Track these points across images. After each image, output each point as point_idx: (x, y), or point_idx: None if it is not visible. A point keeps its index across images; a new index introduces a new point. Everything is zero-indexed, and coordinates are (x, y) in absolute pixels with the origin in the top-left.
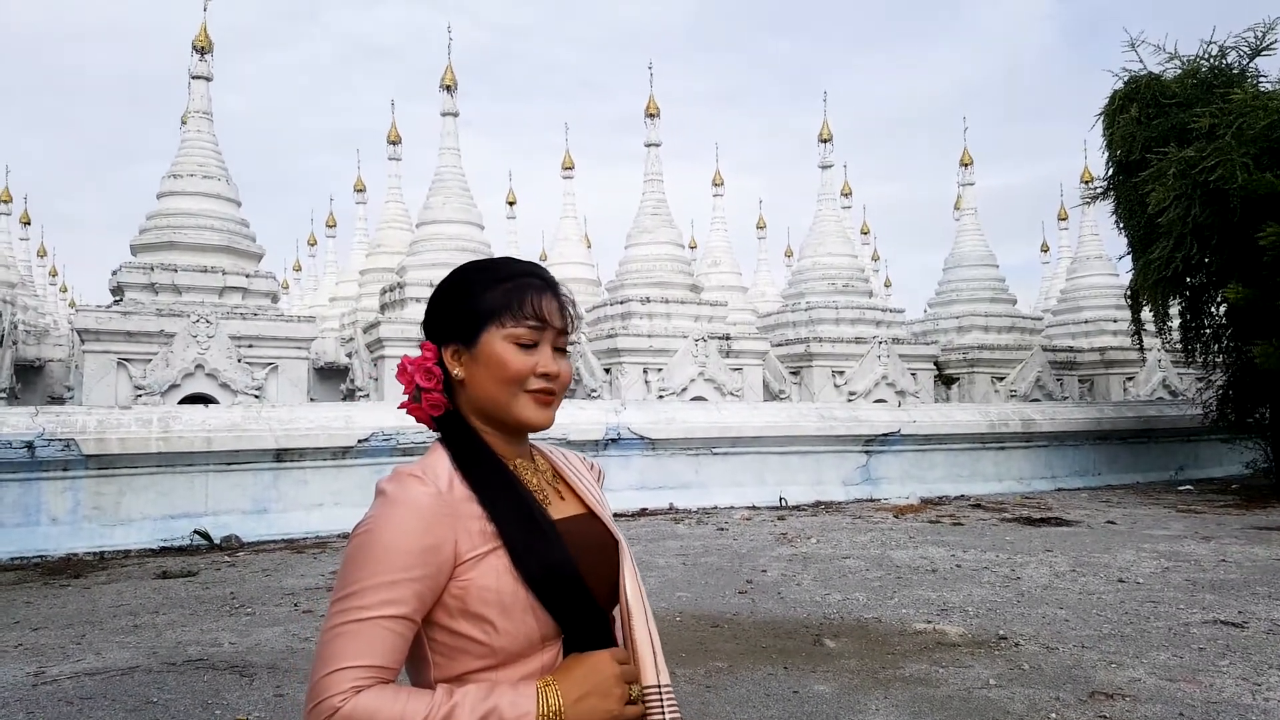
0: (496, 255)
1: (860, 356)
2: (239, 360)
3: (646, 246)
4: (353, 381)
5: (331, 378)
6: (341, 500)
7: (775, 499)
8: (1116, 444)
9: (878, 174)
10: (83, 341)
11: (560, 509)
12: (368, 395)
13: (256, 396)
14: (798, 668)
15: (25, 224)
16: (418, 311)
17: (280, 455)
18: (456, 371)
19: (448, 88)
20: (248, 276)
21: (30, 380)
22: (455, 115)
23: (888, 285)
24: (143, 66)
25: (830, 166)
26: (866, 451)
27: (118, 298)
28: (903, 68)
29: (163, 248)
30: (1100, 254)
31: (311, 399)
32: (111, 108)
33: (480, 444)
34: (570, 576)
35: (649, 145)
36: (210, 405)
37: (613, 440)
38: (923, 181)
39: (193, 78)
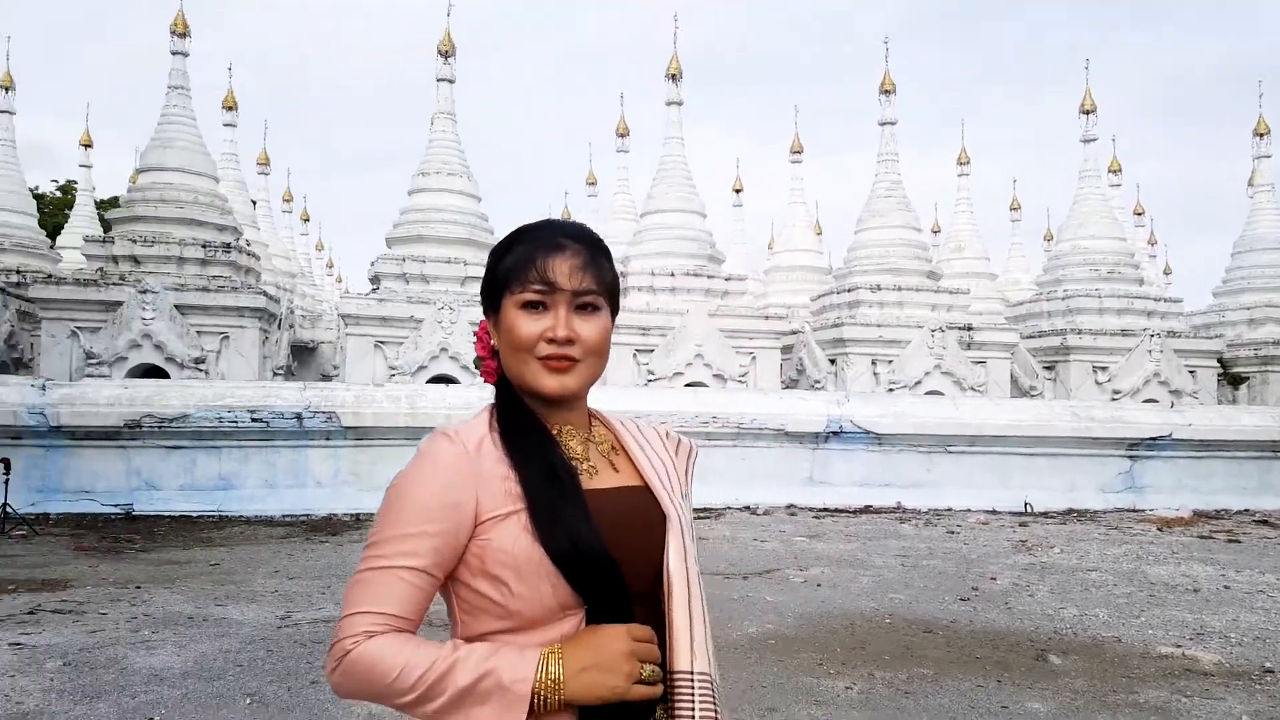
0: (694, 240)
1: (1126, 350)
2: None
3: (878, 231)
4: None
5: None
6: None
7: (1019, 504)
8: None
9: (1156, 150)
10: (346, 325)
11: (607, 479)
12: None
13: None
14: (1013, 683)
15: (305, 220)
16: (639, 300)
17: None
18: (494, 342)
19: (672, 77)
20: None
21: (305, 360)
22: (679, 104)
23: (1167, 273)
24: (399, 77)
25: (1094, 140)
26: (1130, 456)
27: (375, 286)
28: (1184, 33)
29: (412, 240)
30: None
31: None
32: (373, 116)
33: (521, 409)
34: (588, 546)
35: (883, 124)
36: (451, 385)
37: (834, 433)
38: (1211, 157)
39: (437, 80)
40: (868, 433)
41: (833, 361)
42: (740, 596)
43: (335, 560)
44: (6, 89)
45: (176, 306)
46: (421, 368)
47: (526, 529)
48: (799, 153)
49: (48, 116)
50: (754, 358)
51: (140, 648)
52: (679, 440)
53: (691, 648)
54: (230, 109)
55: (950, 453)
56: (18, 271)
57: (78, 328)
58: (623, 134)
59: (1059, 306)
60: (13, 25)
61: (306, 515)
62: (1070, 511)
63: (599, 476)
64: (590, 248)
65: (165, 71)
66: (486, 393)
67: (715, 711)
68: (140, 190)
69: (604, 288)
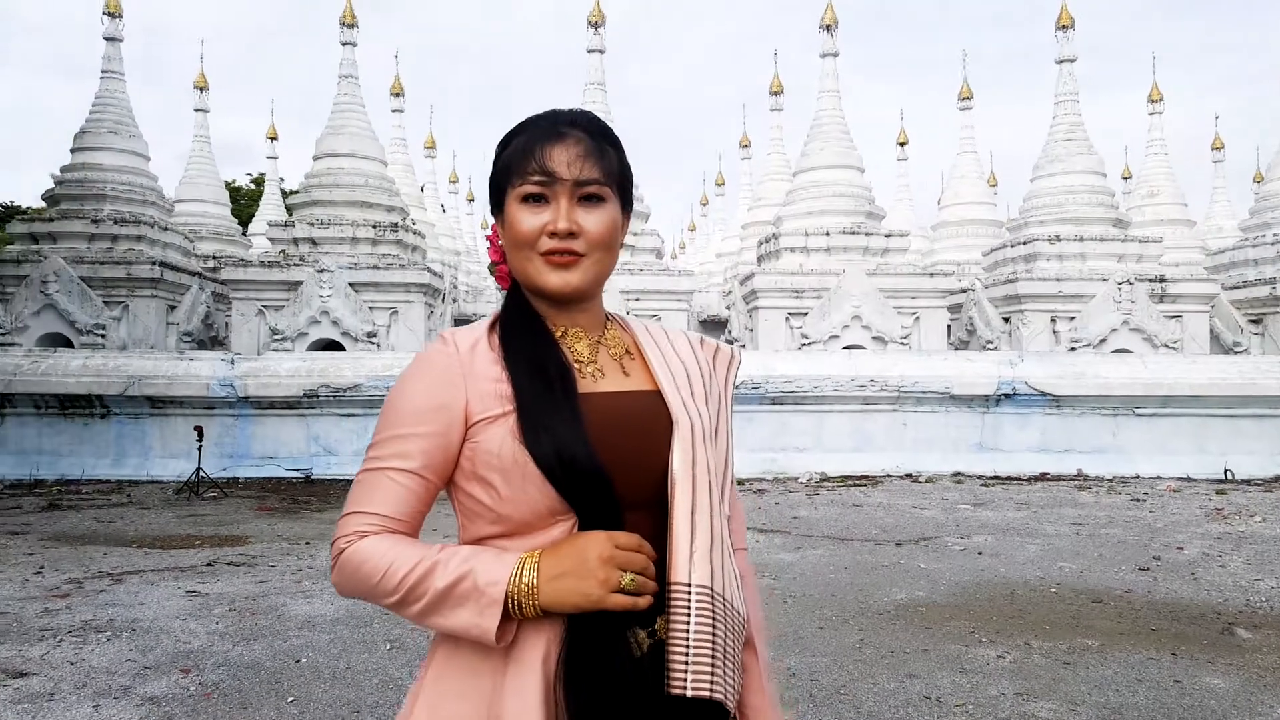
0: (851, 196)
1: None
2: (627, 313)
3: (1057, 177)
4: (730, 333)
5: (714, 330)
6: None
7: (1218, 470)
8: None
9: None
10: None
11: (614, 383)
12: (744, 346)
13: None
14: (1190, 656)
15: (470, 201)
16: (792, 262)
17: None
18: (501, 242)
19: (827, 28)
20: (635, 235)
21: None
22: (835, 56)
23: None
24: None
25: None
26: None
27: None
28: None
29: None
30: None
31: None
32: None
33: (525, 311)
34: (571, 452)
35: (1061, 61)
36: None
37: (1006, 396)
38: None
39: (587, 52)
40: (1044, 395)
41: (1006, 320)
42: (891, 564)
43: None
44: (201, 89)
45: (350, 284)
46: None
47: (513, 432)
48: (968, 99)
49: (244, 114)
50: (917, 318)
51: (300, 597)
52: (717, 347)
53: (691, 558)
54: (397, 95)
55: (1139, 415)
56: (214, 257)
57: (264, 306)
58: (776, 92)
59: (1268, 253)
60: (205, 29)
61: None
62: (1279, 479)
63: (605, 380)
64: (594, 135)
65: (337, 62)
66: None
67: (712, 626)
68: (316, 176)
69: (610, 177)
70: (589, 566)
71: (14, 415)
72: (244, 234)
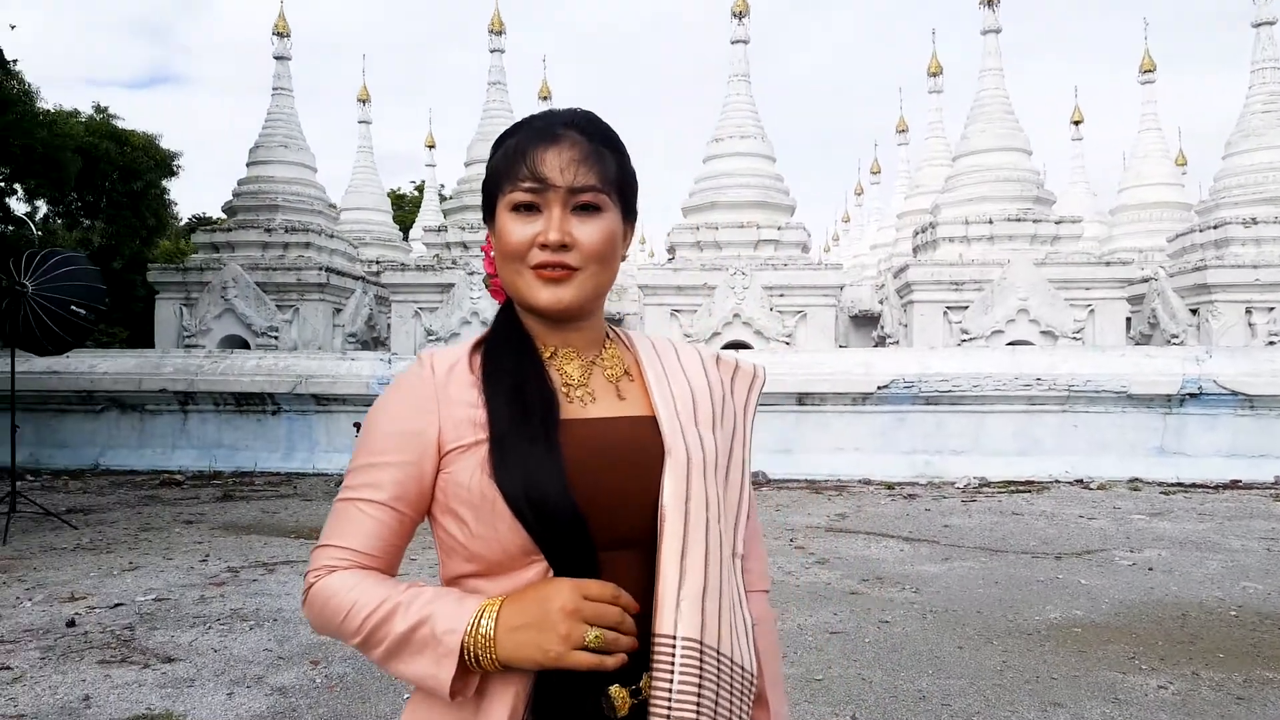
0: (1016, 181)
1: None
2: (771, 309)
3: (1253, 154)
4: (883, 328)
5: (867, 325)
6: (862, 445)
7: None
8: None
9: None
10: (644, 296)
11: (605, 408)
12: (897, 342)
13: (786, 343)
14: None
15: None
16: (951, 252)
17: (802, 399)
18: (493, 253)
19: (989, 2)
20: (779, 229)
21: None
22: (997, 32)
23: None
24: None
25: None
26: None
27: (671, 256)
28: None
29: (706, 208)
30: None
31: (842, 346)
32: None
33: (512, 329)
34: (540, 489)
35: (1258, 25)
36: (743, 351)
37: (1191, 396)
38: None
39: (731, 43)
40: (1236, 394)
41: (1194, 312)
42: (1048, 579)
43: None
44: (363, 102)
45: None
46: (715, 334)
47: (484, 463)
48: (1150, 71)
49: (407, 125)
50: (1092, 311)
51: None
52: (736, 365)
53: (678, 607)
54: (545, 99)
55: None
56: (376, 262)
57: (420, 308)
58: (935, 73)
59: None
60: (368, 44)
61: None
62: None
63: (595, 405)
64: (592, 137)
65: (487, 69)
66: (777, 357)
67: (699, 685)
68: (466, 182)
69: (608, 184)
70: (550, 619)
71: (196, 411)
72: (405, 239)
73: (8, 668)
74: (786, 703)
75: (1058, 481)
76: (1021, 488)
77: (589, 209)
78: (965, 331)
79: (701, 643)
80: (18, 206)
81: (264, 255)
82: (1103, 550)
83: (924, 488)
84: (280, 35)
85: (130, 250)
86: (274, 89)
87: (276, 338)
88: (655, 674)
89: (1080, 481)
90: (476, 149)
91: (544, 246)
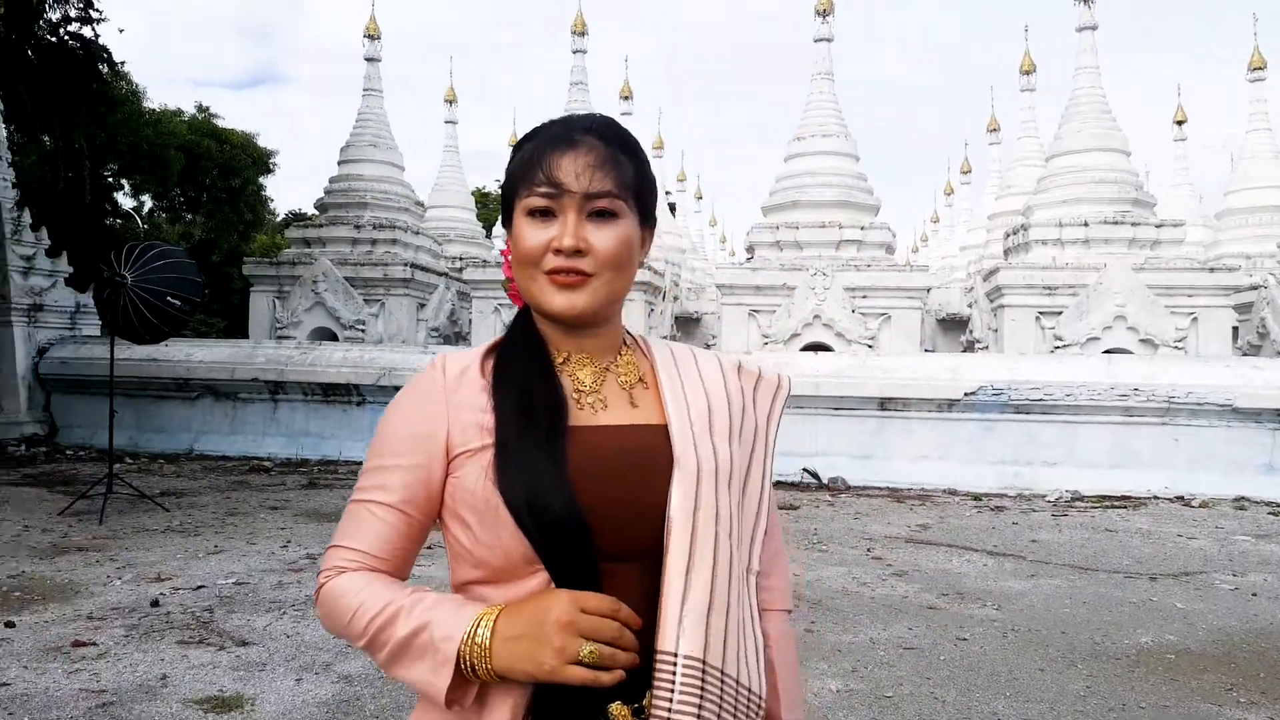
0: (1113, 182)
1: None
2: (853, 310)
3: None
4: (971, 333)
5: (955, 329)
6: (947, 454)
7: None
8: None
9: None
10: (722, 295)
11: (616, 416)
12: (986, 347)
13: (869, 346)
14: None
15: (698, 199)
16: (1044, 255)
17: (884, 404)
18: (512, 257)
19: None
20: (863, 229)
21: (690, 330)
22: (1093, 29)
23: None
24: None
25: None
26: None
27: (750, 255)
28: None
29: (787, 207)
30: None
31: (928, 350)
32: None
33: (527, 334)
34: (542, 497)
35: None
36: (822, 353)
37: None
38: None
39: (815, 41)
40: None
41: None
42: (1140, 600)
43: None
44: (450, 102)
45: None
46: (794, 335)
47: (489, 469)
48: (1260, 69)
49: (492, 124)
50: (1195, 319)
51: None
52: (759, 375)
53: (681, 623)
54: (626, 98)
55: None
56: (459, 259)
57: (499, 304)
58: (1028, 71)
59: None
60: (455, 45)
61: None
62: None
63: (606, 412)
64: (609, 142)
65: (569, 70)
66: (859, 360)
67: (699, 705)
68: None
69: (624, 190)
70: (545, 631)
71: (285, 400)
72: (488, 236)
73: (94, 644)
74: None
75: (1156, 498)
76: (1116, 503)
77: (604, 215)
78: (1058, 338)
79: (704, 662)
80: (125, 201)
81: (353, 251)
82: (1202, 573)
83: (1012, 500)
84: (371, 37)
85: (228, 244)
86: (364, 90)
87: (363, 331)
88: (656, 692)
89: (1180, 499)
90: None
91: (558, 252)
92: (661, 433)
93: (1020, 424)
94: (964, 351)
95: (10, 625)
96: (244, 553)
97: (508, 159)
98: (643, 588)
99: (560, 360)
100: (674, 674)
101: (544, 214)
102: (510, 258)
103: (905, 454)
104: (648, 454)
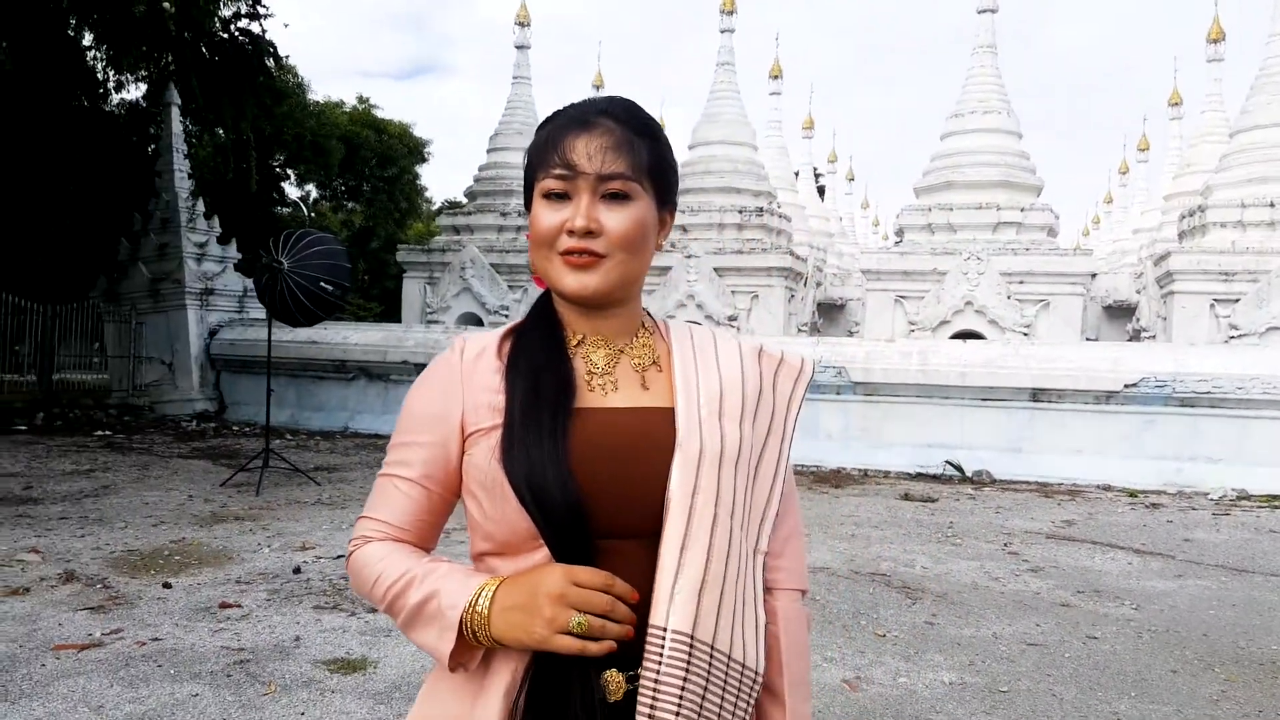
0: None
1: None
2: (1008, 297)
3: None
4: (1138, 321)
5: (1122, 317)
6: (1105, 449)
7: None
8: None
9: None
10: (867, 281)
11: (626, 398)
12: (1153, 336)
13: (1024, 334)
14: None
15: (850, 180)
16: (1222, 239)
17: (1036, 395)
18: (529, 239)
19: None
20: (1022, 210)
21: (833, 317)
22: None
23: None
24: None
25: None
26: None
27: (899, 239)
28: None
29: (940, 188)
30: None
31: (1090, 339)
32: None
33: (544, 316)
34: (541, 477)
35: None
36: (972, 341)
37: None
38: None
39: (978, 12)
40: None
41: None
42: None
43: (826, 510)
44: (598, 88)
45: (714, 269)
46: (944, 322)
47: (495, 447)
48: None
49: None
50: None
51: None
52: (781, 358)
53: (672, 599)
54: (775, 78)
55: None
56: None
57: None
58: (1215, 39)
59: None
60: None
61: (816, 466)
62: None
63: (617, 394)
64: (626, 125)
65: (715, 50)
66: (1010, 349)
67: (683, 679)
68: (689, 165)
69: (639, 172)
70: (537, 602)
71: None
72: None
73: (239, 605)
74: (809, 703)
75: None
76: (1263, 502)
77: (618, 197)
78: (1234, 327)
79: (693, 637)
80: (291, 190)
81: (499, 238)
82: None
83: (1171, 498)
84: (521, 25)
85: (386, 231)
86: (514, 77)
87: (508, 316)
88: (645, 664)
89: None
90: (701, 130)
91: (571, 233)
92: (668, 416)
93: (1185, 418)
94: (1130, 341)
95: (168, 586)
96: None
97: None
98: (643, 565)
99: (575, 342)
100: (661, 647)
101: (559, 196)
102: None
103: (1057, 447)
104: (652, 436)
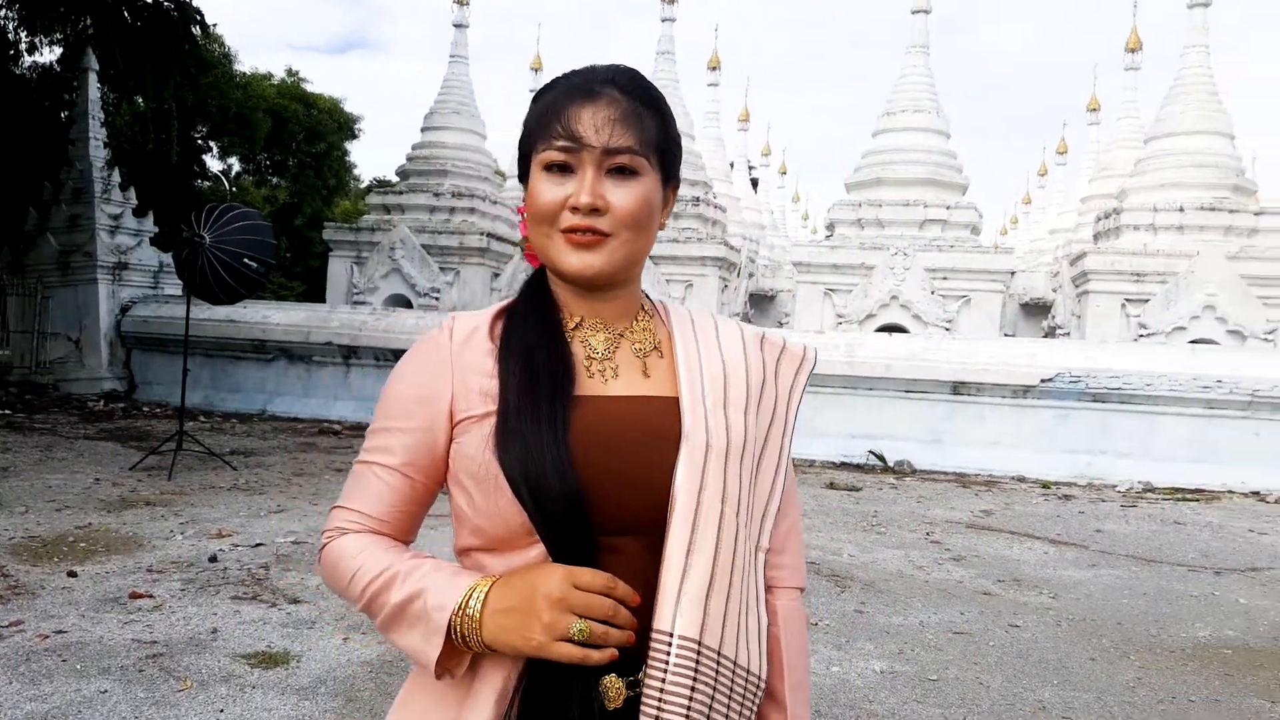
0: (1214, 166)
1: None
2: (932, 292)
3: None
4: (1053, 318)
5: (1038, 315)
6: (1021, 443)
7: None
8: None
9: None
10: (798, 273)
11: (627, 385)
12: (1068, 333)
13: (947, 329)
14: None
15: (782, 174)
16: (1134, 241)
17: (957, 388)
18: (527, 215)
19: None
20: (948, 208)
21: (764, 308)
22: (1205, 5)
23: None
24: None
25: None
26: None
27: (829, 233)
28: None
29: (870, 184)
30: None
31: (1008, 335)
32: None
33: (539, 297)
34: (538, 469)
35: None
36: (897, 335)
37: None
38: None
39: (912, 13)
40: None
41: None
42: (1202, 594)
43: None
44: (536, 71)
45: (651, 258)
46: (869, 316)
47: (490, 436)
48: None
49: None
50: None
51: None
52: (783, 346)
53: (678, 603)
54: (714, 69)
55: None
56: None
57: None
58: (1133, 49)
59: None
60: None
61: None
62: None
63: (617, 381)
64: (632, 95)
65: (656, 39)
66: (932, 344)
67: (691, 686)
68: None
69: (646, 146)
70: (535, 606)
71: (358, 365)
72: None
73: (151, 596)
74: (809, 707)
75: (1231, 492)
76: (1190, 496)
77: (624, 172)
78: (1143, 326)
79: (699, 643)
80: (213, 163)
81: (431, 219)
82: (1270, 568)
83: (1082, 489)
84: (459, 3)
85: (312, 208)
86: (451, 56)
87: (438, 299)
88: (649, 671)
89: (1257, 494)
90: None
91: (575, 209)
92: (672, 406)
93: (1096, 413)
94: (1045, 338)
95: (73, 575)
96: (305, 513)
97: (529, 110)
98: (644, 563)
99: (573, 325)
100: (668, 654)
101: (561, 169)
102: (526, 216)
103: (976, 439)
104: (654, 427)
